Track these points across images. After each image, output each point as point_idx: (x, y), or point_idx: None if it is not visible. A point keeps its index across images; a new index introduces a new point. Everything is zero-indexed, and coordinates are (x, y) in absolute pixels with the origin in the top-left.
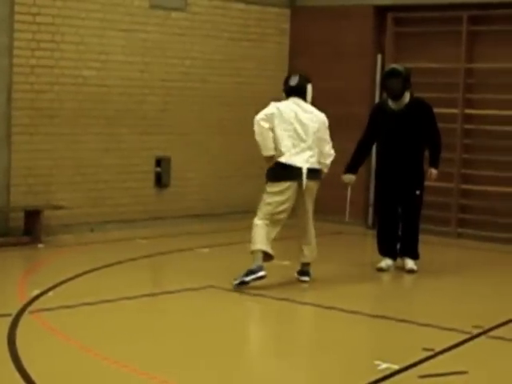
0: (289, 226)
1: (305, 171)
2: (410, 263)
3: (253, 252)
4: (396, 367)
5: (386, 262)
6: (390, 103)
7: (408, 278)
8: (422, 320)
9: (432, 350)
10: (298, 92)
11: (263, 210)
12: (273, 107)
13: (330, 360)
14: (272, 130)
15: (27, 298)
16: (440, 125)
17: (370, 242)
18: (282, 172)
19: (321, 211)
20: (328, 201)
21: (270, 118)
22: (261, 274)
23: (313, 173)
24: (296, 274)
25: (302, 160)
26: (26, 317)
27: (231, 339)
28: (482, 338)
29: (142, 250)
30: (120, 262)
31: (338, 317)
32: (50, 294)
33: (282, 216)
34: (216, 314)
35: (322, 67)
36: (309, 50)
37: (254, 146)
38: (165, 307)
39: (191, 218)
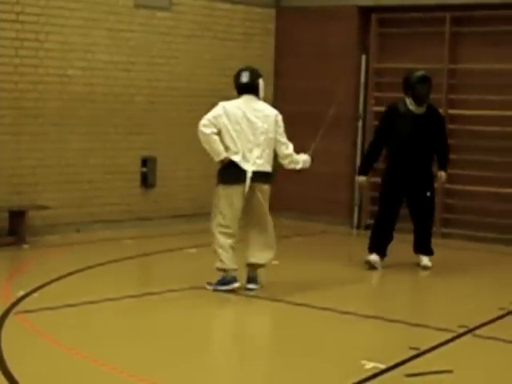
0: (279, 227)
1: (249, 174)
2: (424, 260)
3: (221, 269)
4: (382, 366)
5: (374, 257)
6: (412, 106)
7: (393, 277)
8: (408, 319)
9: (418, 349)
10: (249, 89)
11: (215, 219)
12: (219, 108)
13: (317, 360)
14: (219, 131)
15: (12, 299)
16: None
17: (356, 241)
18: (230, 174)
19: (305, 211)
20: (312, 201)
21: (214, 122)
22: (236, 285)
23: (260, 176)
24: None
25: (249, 162)
26: (11, 318)
27: (219, 339)
28: (468, 336)
29: (129, 250)
30: (106, 263)
31: (325, 317)
32: (36, 295)
33: (234, 226)
34: (203, 315)
35: (306, 67)
36: (294, 50)
37: None
38: (152, 308)
39: (178, 218)
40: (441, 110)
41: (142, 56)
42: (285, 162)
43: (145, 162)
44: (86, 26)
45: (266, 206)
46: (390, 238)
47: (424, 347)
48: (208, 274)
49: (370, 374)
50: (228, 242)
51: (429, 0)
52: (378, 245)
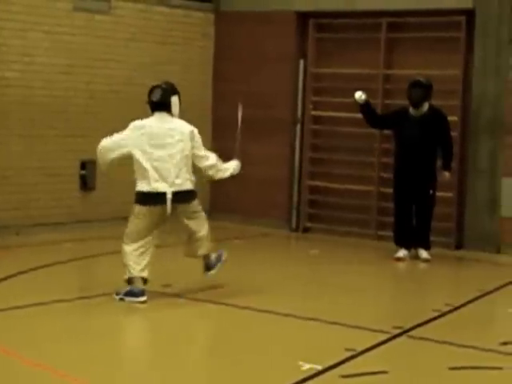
0: (215, 229)
1: (169, 196)
2: (424, 253)
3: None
4: (319, 367)
5: (403, 252)
6: (411, 110)
7: (329, 279)
8: (344, 321)
9: (354, 350)
10: (161, 107)
11: (126, 235)
12: (129, 130)
13: (254, 361)
14: (129, 153)
15: None
16: (360, 130)
17: (295, 243)
18: (148, 196)
19: (246, 214)
20: (252, 204)
21: (120, 144)
22: (142, 299)
23: (181, 195)
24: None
25: (166, 184)
26: None
27: (160, 341)
28: (403, 337)
29: (68, 253)
30: (46, 266)
31: (263, 318)
32: None
33: (144, 239)
34: (146, 317)
35: (245, 71)
36: (233, 54)
37: None
38: (93, 310)
39: (118, 220)
40: None
41: (81, 59)
42: (211, 174)
43: (84, 165)
44: (24, 29)
45: (192, 221)
46: (410, 231)
47: (360, 348)
48: (150, 276)
49: (306, 375)
50: (130, 248)
51: (366, 6)
52: (401, 239)
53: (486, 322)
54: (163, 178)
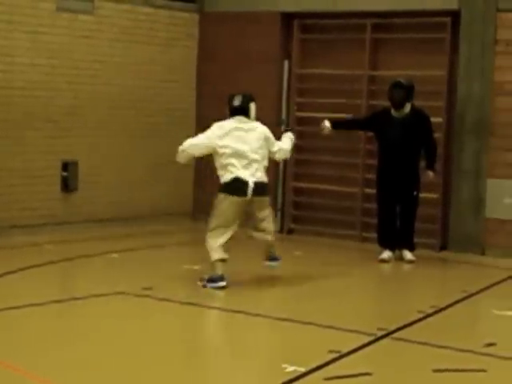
0: (198, 231)
1: (252, 185)
2: (408, 255)
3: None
4: (303, 370)
5: (387, 254)
6: (393, 112)
7: (313, 281)
8: (328, 322)
9: (338, 352)
10: (240, 111)
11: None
12: (213, 129)
13: (238, 363)
14: (213, 150)
15: None
16: (346, 132)
17: (279, 245)
18: (232, 185)
19: None
20: None
21: (205, 143)
22: (221, 284)
23: (260, 186)
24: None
25: (248, 174)
26: None
27: (140, 345)
28: (387, 339)
29: (49, 255)
30: (26, 268)
31: (245, 321)
32: None
33: (227, 230)
34: (125, 320)
35: (229, 72)
36: (217, 55)
37: (163, 149)
38: (73, 314)
39: (99, 222)
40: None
41: (64, 59)
42: (276, 157)
43: (66, 166)
44: (6, 29)
45: (263, 212)
46: (394, 232)
47: (344, 350)
48: (130, 279)
49: (290, 377)
50: (219, 240)
51: (350, 7)
52: (386, 241)
53: (470, 323)
54: (245, 171)
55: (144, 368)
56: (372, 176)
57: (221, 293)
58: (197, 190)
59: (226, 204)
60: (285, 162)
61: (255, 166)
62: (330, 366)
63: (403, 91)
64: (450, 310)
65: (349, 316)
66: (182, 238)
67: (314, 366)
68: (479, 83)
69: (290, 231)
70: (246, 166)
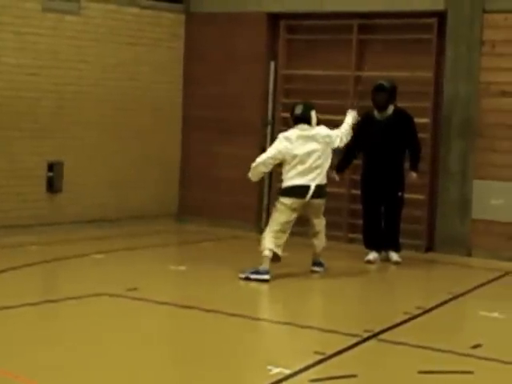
0: (183, 232)
1: (312, 188)
2: (394, 256)
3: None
4: (288, 371)
5: (373, 255)
6: (376, 114)
7: (299, 282)
8: (313, 324)
9: (323, 353)
10: (303, 119)
11: (272, 227)
12: (281, 142)
13: (222, 365)
14: (281, 161)
15: None
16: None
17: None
18: (294, 189)
19: (214, 217)
20: (221, 206)
21: (276, 158)
22: (266, 277)
23: (319, 190)
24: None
25: (308, 179)
26: None
27: (125, 346)
28: (373, 341)
29: (34, 256)
30: (10, 269)
31: (231, 322)
32: None
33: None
34: (110, 321)
35: (216, 73)
36: (203, 55)
37: (149, 150)
38: (57, 315)
39: (85, 223)
40: None
41: (50, 60)
42: (341, 146)
43: (51, 167)
44: None
45: (318, 215)
46: (380, 233)
47: (329, 352)
48: (115, 280)
49: (275, 379)
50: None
51: (336, 8)
52: (371, 242)
53: (456, 324)
54: (306, 176)
55: (129, 369)
56: (358, 177)
57: (207, 294)
58: (182, 191)
59: (286, 207)
60: None
61: (317, 171)
62: (316, 368)
63: (386, 93)
64: (436, 311)
65: (335, 317)
66: (168, 239)
67: (299, 367)
68: (465, 84)
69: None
70: (306, 173)
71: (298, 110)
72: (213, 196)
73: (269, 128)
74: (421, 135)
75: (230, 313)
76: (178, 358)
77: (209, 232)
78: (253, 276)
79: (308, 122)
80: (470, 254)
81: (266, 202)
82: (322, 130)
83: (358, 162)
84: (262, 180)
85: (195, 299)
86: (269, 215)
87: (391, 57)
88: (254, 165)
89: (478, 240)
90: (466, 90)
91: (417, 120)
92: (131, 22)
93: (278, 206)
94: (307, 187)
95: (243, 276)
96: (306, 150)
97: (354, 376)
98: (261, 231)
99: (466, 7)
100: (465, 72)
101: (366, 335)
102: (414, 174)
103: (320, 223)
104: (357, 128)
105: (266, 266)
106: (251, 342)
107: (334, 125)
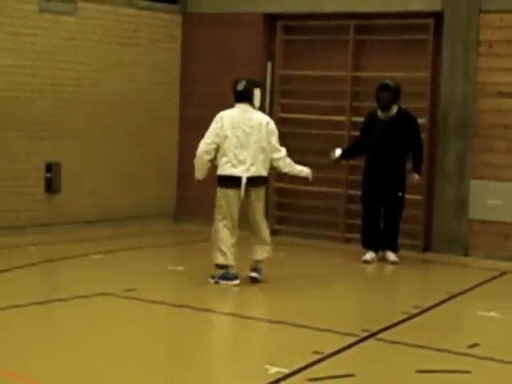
0: (181, 232)
1: (244, 180)
2: (392, 256)
3: (222, 266)
4: (286, 371)
5: (370, 255)
6: (380, 113)
7: (297, 282)
8: (311, 323)
9: (321, 353)
10: (244, 97)
11: (218, 217)
12: (217, 122)
13: (220, 365)
14: (218, 146)
15: None
16: (328, 132)
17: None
18: (227, 180)
19: (211, 217)
20: None
21: (216, 141)
22: (236, 282)
23: (254, 181)
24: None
25: (243, 168)
26: None
27: (124, 346)
28: (371, 340)
29: (32, 256)
30: (8, 270)
31: (229, 322)
32: None
33: (233, 224)
34: (109, 321)
35: (212, 73)
36: (200, 56)
37: (147, 150)
38: (56, 315)
39: (83, 224)
40: (345, 118)
41: (47, 60)
42: (277, 164)
43: (49, 168)
44: None
45: (259, 209)
46: (378, 234)
47: (327, 351)
48: (114, 280)
49: (273, 378)
50: (230, 240)
51: (333, 8)
52: (369, 242)
53: (454, 324)
54: (241, 164)
55: (129, 368)
56: (355, 177)
57: (204, 294)
58: (180, 191)
59: (221, 198)
60: None
61: (251, 159)
62: (314, 367)
63: (390, 93)
64: (433, 310)
65: (333, 317)
66: (166, 240)
67: (297, 367)
68: (462, 84)
69: (274, 232)
70: (241, 160)
71: (241, 85)
72: (211, 196)
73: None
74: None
75: (228, 312)
76: (176, 358)
77: (207, 232)
78: (222, 281)
79: (250, 100)
80: (467, 254)
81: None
82: (264, 117)
83: (355, 163)
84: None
85: (193, 299)
86: (267, 215)
87: (388, 57)
88: (198, 160)
89: (475, 240)
90: (462, 90)
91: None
92: (128, 22)
93: (217, 196)
94: (239, 178)
95: (213, 281)
96: (243, 134)
97: (352, 375)
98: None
99: (462, 7)
100: (461, 72)
101: (364, 335)
102: (416, 176)
103: (258, 221)
104: (362, 127)
105: (232, 270)
106: (249, 342)
107: (332, 126)
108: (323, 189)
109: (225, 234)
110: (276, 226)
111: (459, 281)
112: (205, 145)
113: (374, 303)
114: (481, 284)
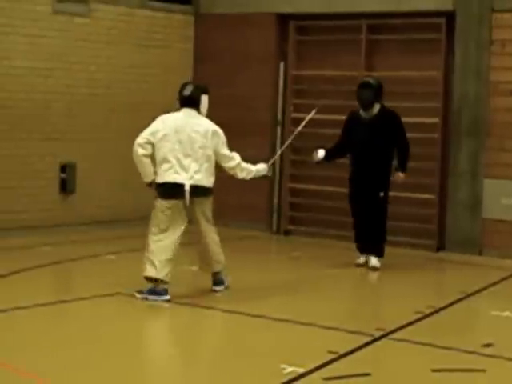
0: (193, 232)
1: (187, 188)
2: (373, 261)
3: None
4: (301, 370)
5: (362, 258)
6: (361, 112)
7: (311, 281)
8: (326, 323)
9: (336, 352)
10: (190, 102)
11: (153, 230)
12: (157, 122)
13: (236, 364)
14: (155, 145)
15: None
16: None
17: (276, 246)
18: (167, 189)
19: (224, 217)
20: (231, 206)
21: (150, 139)
22: (166, 297)
23: (198, 190)
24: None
25: (186, 176)
26: None
27: (136, 345)
28: (385, 340)
29: (47, 257)
30: (25, 270)
31: (243, 321)
32: None
33: (171, 239)
34: (123, 321)
35: (225, 74)
36: (213, 56)
37: None
38: (71, 315)
39: (97, 224)
40: None
41: (61, 62)
42: (233, 173)
43: (64, 168)
44: (3, 32)
45: (203, 222)
46: (362, 236)
47: (342, 351)
48: (128, 281)
49: (289, 378)
50: (164, 254)
51: (346, 8)
52: (361, 245)
53: (468, 324)
54: (184, 171)
55: (141, 368)
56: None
57: (218, 293)
58: None
59: (162, 208)
60: (281, 162)
61: (195, 167)
62: (329, 367)
63: (371, 91)
64: (447, 310)
65: (347, 317)
66: (181, 239)
67: (312, 366)
68: (475, 83)
69: (287, 232)
70: (184, 167)
71: (187, 90)
72: (224, 196)
73: (279, 128)
74: (430, 135)
75: (243, 312)
76: (191, 357)
77: (220, 232)
78: (151, 297)
79: (196, 106)
80: (480, 253)
81: (276, 201)
82: (211, 125)
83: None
84: (273, 180)
85: (207, 299)
86: (279, 216)
87: (400, 57)
88: (134, 157)
89: (488, 239)
90: (475, 89)
91: (426, 120)
92: (141, 23)
93: (154, 207)
94: (181, 186)
95: (140, 296)
96: (185, 141)
97: (367, 374)
98: (272, 232)
99: (474, 6)
100: (474, 71)
101: (378, 334)
102: (400, 174)
103: (204, 235)
104: (344, 127)
105: (163, 284)
106: (264, 342)
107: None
108: (336, 189)
109: (159, 248)
110: (289, 226)
111: (473, 280)
112: (138, 139)
113: (387, 303)
114: (495, 283)
